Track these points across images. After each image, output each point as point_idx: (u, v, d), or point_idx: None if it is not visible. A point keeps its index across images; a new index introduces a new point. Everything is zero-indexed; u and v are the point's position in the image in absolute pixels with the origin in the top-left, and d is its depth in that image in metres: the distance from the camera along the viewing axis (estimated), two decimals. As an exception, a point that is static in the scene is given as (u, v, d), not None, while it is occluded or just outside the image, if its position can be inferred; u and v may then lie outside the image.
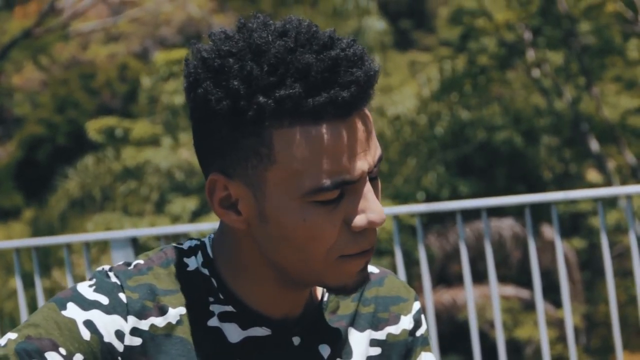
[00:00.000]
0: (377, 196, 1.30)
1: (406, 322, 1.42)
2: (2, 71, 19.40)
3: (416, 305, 1.44)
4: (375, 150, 1.28)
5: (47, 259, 13.92)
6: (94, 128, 15.56)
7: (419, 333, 1.44)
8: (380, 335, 1.41)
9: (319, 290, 1.39)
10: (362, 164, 1.26)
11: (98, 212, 14.86)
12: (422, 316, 1.45)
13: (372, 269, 1.44)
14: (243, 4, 19.61)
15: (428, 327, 3.64)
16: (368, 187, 1.27)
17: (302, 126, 1.24)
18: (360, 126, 1.26)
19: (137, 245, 3.81)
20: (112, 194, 15.06)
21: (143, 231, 4.07)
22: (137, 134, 15.25)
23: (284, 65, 1.23)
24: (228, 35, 1.26)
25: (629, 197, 3.28)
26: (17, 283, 3.93)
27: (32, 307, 8.72)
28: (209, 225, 3.91)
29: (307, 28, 1.25)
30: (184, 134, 14.99)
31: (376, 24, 16.22)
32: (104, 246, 12.39)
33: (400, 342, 1.42)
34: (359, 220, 1.27)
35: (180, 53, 15.52)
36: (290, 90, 1.22)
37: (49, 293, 11.82)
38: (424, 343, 1.44)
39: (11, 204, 19.01)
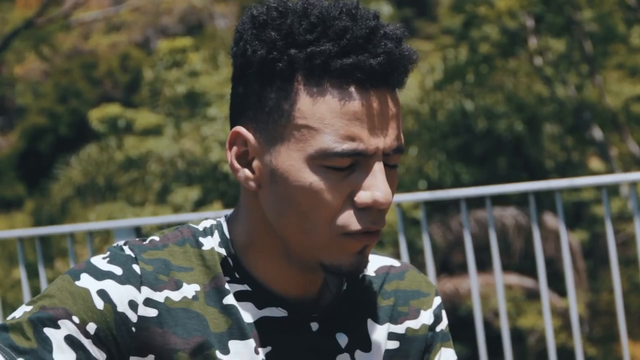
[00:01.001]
0: (391, 184, 1.30)
1: (426, 317, 1.42)
2: (4, 61, 19.37)
3: (437, 300, 1.43)
4: (397, 138, 1.29)
5: (50, 250, 13.92)
6: (96, 117, 15.53)
7: (439, 328, 1.43)
8: (400, 329, 1.40)
9: (339, 279, 1.38)
10: (379, 141, 1.27)
11: (100, 202, 14.86)
12: (443, 311, 1.44)
13: (393, 262, 1.43)
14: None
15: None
16: (380, 167, 1.27)
17: (328, 86, 1.26)
18: (385, 103, 1.28)
19: (141, 235, 3.80)
20: (114, 183, 15.06)
21: (146, 220, 4.06)
22: (139, 124, 15.24)
23: (323, 26, 1.26)
24: None
25: (633, 184, 3.27)
26: (21, 273, 3.92)
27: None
28: (212, 214, 3.90)
29: (357, 4, 1.29)
30: (187, 123, 14.98)
31: (384, 9, 16.20)
32: (106, 236, 12.39)
33: (420, 337, 1.41)
34: (364, 196, 1.27)
35: (183, 42, 15.49)
36: (322, 47, 1.25)
37: (52, 283, 11.80)
38: (444, 338, 1.43)
39: (13, 194, 19.01)
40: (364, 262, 1.30)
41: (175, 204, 13.98)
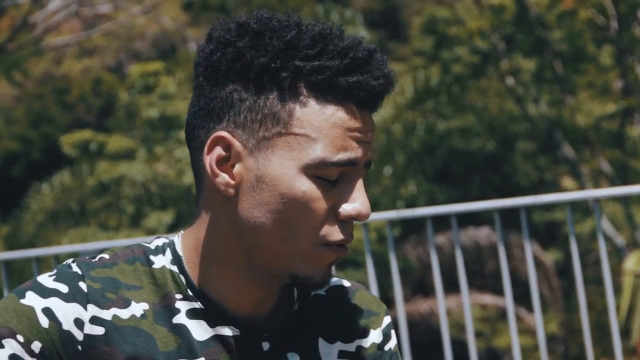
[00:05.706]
0: None
1: (375, 336, 1.42)
2: (-25, 87, 19.27)
3: (386, 320, 1.44)
4: (371, 153, 1.35)
5: (21, 276, 13.82)
6: (68, 142, 15.48)
7: (387, 347, 1.43)
8: (350, 347, 1.40)
9: (291, 299, 1.39)
10: (365, 154, 1.32)
11: (74, 228, 14.78)
12: (392, 331, 1.45)
13: (344, 282, 1.44)
14: (217, 17, 19.57)
15: (399, 341, 3.63)
16: (361, 181, 1.32)
17: (331, 100, 1.29)
18: (371, 122, 1.34)
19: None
20: (88, 208, 14.98)
21: (114, 243, 4.03)
22: (112, 148, 15.19)
23: (324, 43, 1.29)
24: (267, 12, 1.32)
25: (596, 201, 3.28)
26: (-15, 298, 3.87)
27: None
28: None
29: (342, 29, 1.34)
30: (160, 146, 14.94)
31: (363, 35, 16.24)
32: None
33: (370, 355, 1.41)
34: (349, 208, 1.30)
35: (155, 66, 15.48)
36: (330, 63, 1.28)
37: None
38: (393, 357, 1.44)
39: (-14, 220, 18.87)
40: (331, 275, 1.33)
41: (149, 228, 13.92)
